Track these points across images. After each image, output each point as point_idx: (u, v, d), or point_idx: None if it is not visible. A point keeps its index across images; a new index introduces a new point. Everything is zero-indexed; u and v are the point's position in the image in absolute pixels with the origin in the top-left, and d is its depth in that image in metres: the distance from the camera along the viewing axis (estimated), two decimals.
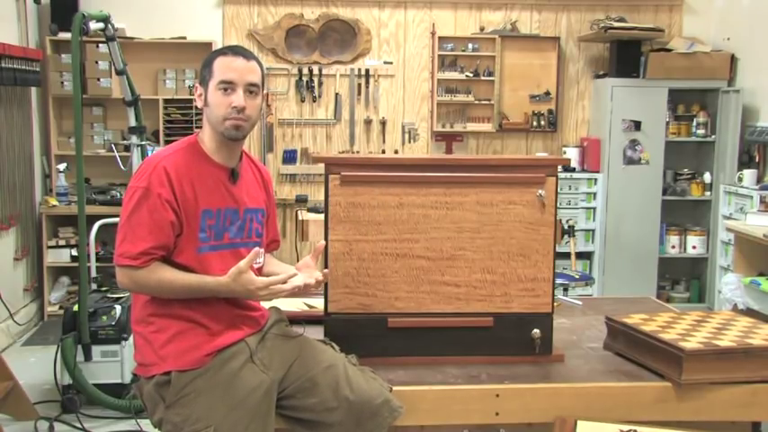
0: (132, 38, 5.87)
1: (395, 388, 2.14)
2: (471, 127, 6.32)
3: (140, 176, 2.08)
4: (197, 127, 5.72)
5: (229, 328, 2.11)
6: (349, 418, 2.06)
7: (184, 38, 6.00)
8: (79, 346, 3.88)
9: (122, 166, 4.32)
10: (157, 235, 2.03)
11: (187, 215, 2.07)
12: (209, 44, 5.91)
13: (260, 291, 2.06)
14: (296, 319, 2.42)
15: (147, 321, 2.10)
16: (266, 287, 2.07)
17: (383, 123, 6.31)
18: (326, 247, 2.28)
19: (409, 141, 6.33)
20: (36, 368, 4.48)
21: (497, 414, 2.16)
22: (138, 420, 3.72)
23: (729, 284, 4.59)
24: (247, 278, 2.04)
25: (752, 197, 5.16)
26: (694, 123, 6.11)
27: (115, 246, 2.08)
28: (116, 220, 4.79)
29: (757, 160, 5.54)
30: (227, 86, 2.12)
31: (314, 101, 6.25)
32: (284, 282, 2.09)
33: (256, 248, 2.13)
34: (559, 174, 3.18)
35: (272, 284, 2.07)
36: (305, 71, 6.20)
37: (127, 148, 4.48)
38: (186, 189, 2.07)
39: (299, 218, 5.38)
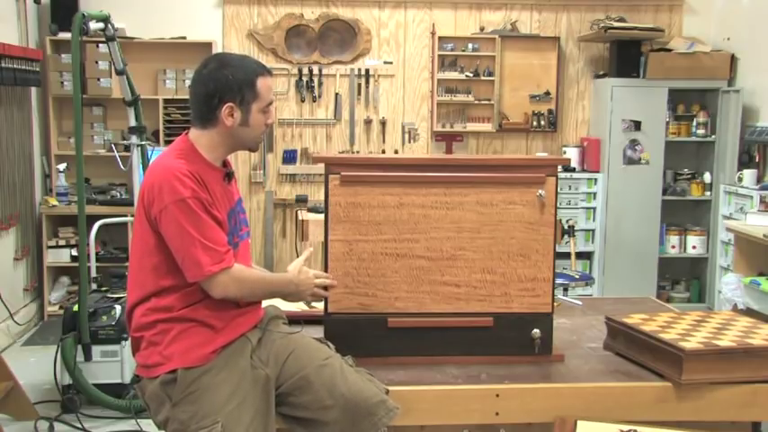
0: (132, 38, 5.87)
1: (395, 388, 2.14)
2: (471, 127, 6.32)
3: (175, 189, 1.99)
4: None
5: (231, 324, 2.11)
6: (345, 417, 2.06)
7: (184, 38, 6.00)
8: (79, 346, 3.88)
9: (122, 167, 4.31)
10: (223, 230, 2.07)
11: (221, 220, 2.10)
12: (209, 44, 5.91)
13: (315, 279, 2.23)
14: (296, 319, 2.42)
15: (148, 327, 2.09)
16: (316, 277, 2.25)
17: (383, 123, 6.31)
18: (326, 247, 2.28)
19: (409, 141, 6.33)
20: (36, 368, 4.48)
21: (497, 414, 2.16)
22: (138, 420, 3.72)
23: (729, 284, 4.59)
24: (306, 272, 2.22)
25: (752, 197, 5.16)
26: (694, 123, 6.10)
27: (193, 266, 2.00)
28: (116, 219, 4.92)
29: (757, 160, 5.54)
30: (269, 108, 2.16)
31: (314, 101, 6.25)
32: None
33: (311, 248, 2.39)
34: (559, 174, 3.18)
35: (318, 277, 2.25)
36: (305, 71, 6.20)
37: (127, 149, 4.48)
38: (212, 196, 2.07)
39: (299, 218, 5.37)
